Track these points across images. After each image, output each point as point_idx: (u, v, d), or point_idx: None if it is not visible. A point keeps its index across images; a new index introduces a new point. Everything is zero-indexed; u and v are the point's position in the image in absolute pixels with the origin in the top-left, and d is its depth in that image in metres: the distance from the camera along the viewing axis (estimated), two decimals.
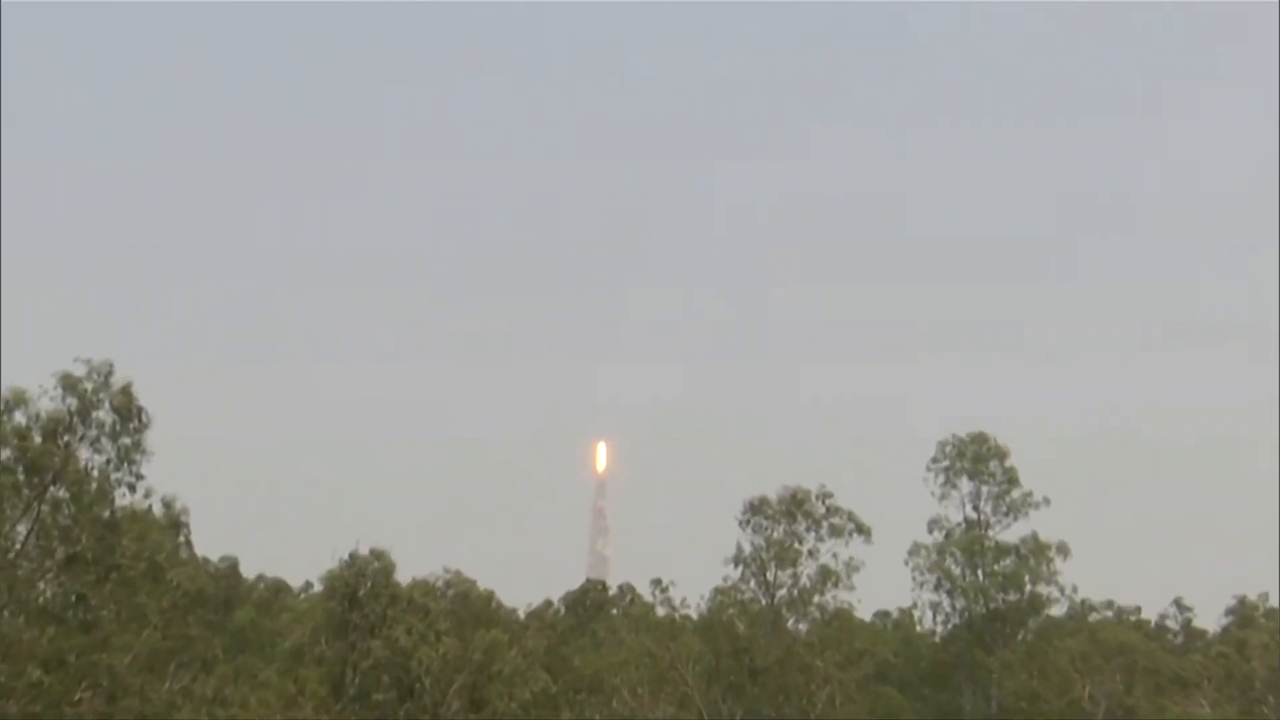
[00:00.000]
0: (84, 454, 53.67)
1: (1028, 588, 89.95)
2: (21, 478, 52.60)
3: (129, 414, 53.55)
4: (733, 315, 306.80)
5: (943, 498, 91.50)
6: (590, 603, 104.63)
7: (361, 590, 67.47)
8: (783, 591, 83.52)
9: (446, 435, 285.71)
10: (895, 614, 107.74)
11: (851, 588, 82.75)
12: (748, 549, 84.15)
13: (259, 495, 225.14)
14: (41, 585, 54.29)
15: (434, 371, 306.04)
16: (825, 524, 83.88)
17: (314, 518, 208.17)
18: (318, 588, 79.76)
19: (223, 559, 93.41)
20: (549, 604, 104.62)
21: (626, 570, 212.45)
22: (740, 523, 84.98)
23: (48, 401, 52.78)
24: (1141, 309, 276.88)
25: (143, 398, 53.46)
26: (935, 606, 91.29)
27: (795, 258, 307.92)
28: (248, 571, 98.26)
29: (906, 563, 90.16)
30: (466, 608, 75.19)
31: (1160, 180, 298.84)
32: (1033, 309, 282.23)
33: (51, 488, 53.16)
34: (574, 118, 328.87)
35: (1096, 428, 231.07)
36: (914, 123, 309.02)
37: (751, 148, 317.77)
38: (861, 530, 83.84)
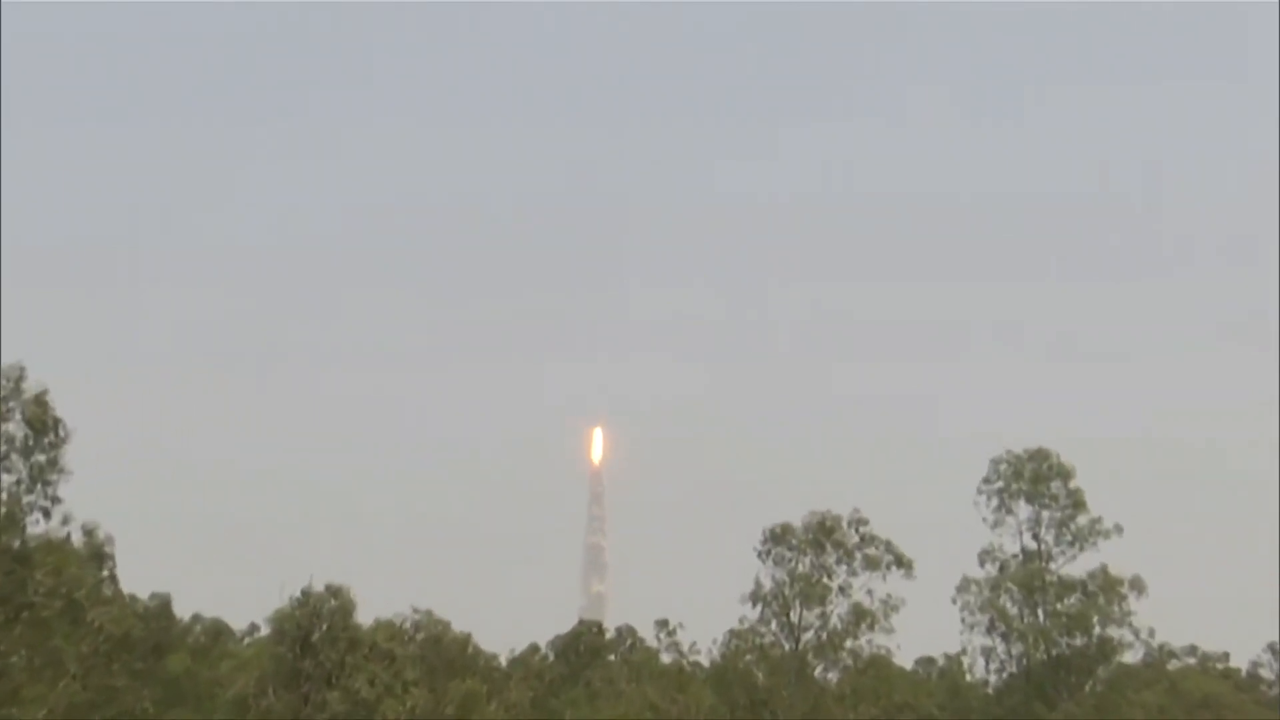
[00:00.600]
0: None
1: (1096, 630, 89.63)
2: None
3: (44, 426, 53.38)
4: (734, 314, 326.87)
5: (996, 524, 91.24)
6: (584, 647, 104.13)
7: (316, 633, 67.32)
8: (809, 634, 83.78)
9: (416, 447, 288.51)
10: (941, 661, 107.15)
11: (890, 630, 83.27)
12: (768, 584, 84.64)
13: (196, 521, 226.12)
14: None
15: (406, 374, 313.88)
16: (859, 555, 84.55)
17: (260, 547, 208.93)
18: (264, 630, 79.46)
19: (153, 596, 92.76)
20: (535, 649, 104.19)
21: (625, 609, 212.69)
22: (759, 554, 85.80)
23: None
24: (1150, 308, 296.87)
25: (61, 407, 53.31)
26: (988, 652, 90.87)
27: (797, 257, 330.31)
28: (182, 611, 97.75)
29: (954, 600, 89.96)
30: (439, 653, 74.94)
31: (1161, 177, 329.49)
32: (1034, 309, 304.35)
33: None
34: (575, 116, 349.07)
35: (1135, 435, 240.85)
36: (914, 120, 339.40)
37: (752, 145, 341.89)
38: (901, 563, 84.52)
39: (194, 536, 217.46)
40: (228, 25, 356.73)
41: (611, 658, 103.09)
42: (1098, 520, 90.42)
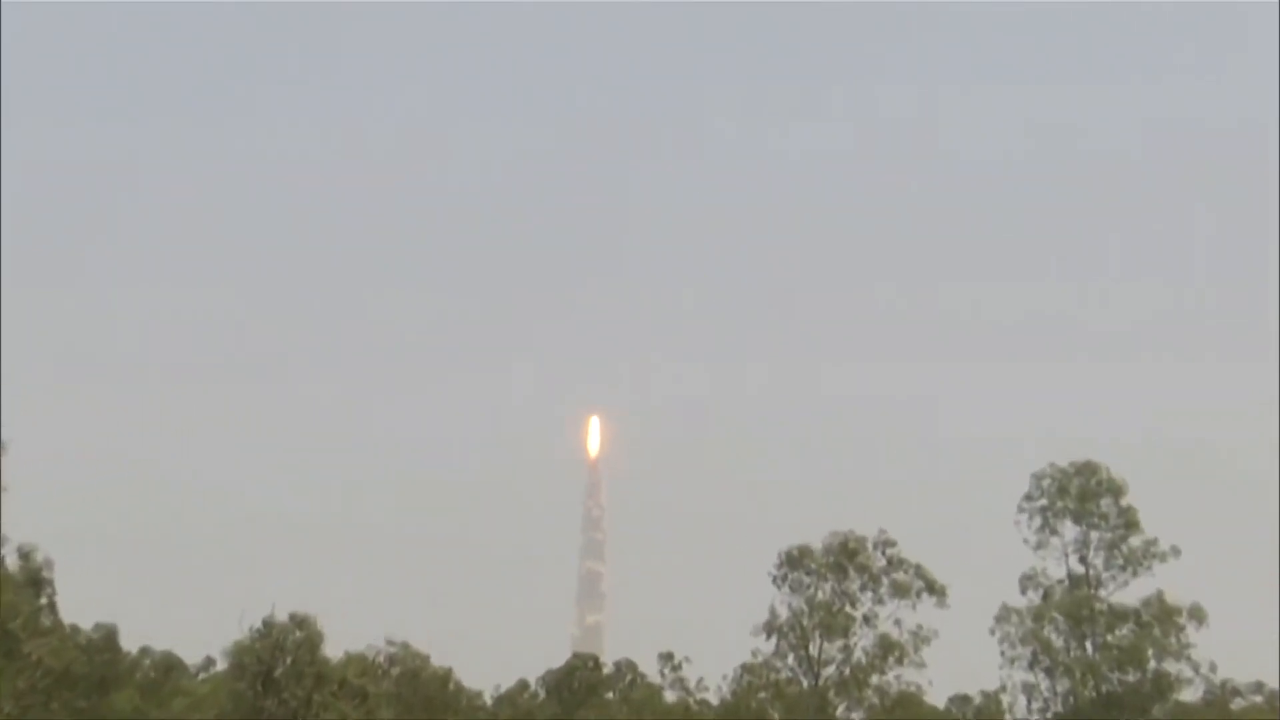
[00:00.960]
0: None
1: (1151, 665, 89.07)
2: None
3: None
4: (737, 315, 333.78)
5: (1039, 546, 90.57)
6: (578, 684, 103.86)
7: (279, 668, 67.20)
8: (830, 669, 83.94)
9: (391, 457, 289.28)
10: (977, 699, 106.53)
11: (920, 664, 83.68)
12: (784, 613, 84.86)
13: (146, 543, 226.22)
14: None
15: (384, 380, 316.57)
16: (885, 581, 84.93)
17: (217, 572, 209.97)
18: (221, 665, 79.31)
19: (97, 627, 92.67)
20: (524, 686, 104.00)
21: (624, 640, 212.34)
22: (774, 579, 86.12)
23: None
24: (1150, 307, 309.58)
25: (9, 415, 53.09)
26: (1030, 689, 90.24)
27: (798, 257, 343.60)
28: (129, 643, 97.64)
29: (992, 632, 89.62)
30: (416, 690, 74.84)
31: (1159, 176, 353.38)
32: (1038, 307, 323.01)
33: None
34: (573, 115, 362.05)
35: (1145, 440, 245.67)
36: (913, 119, 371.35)
37: (752, 144, 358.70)
38: (933, 590, 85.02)
39: (143, 560, 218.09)
40: (225, 24, 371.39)
41: (609, 695, 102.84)
42: (1153, 542, 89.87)
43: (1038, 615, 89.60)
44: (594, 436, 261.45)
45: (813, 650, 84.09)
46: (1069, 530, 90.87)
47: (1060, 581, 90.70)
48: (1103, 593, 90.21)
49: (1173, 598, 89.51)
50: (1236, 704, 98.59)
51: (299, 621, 68.16)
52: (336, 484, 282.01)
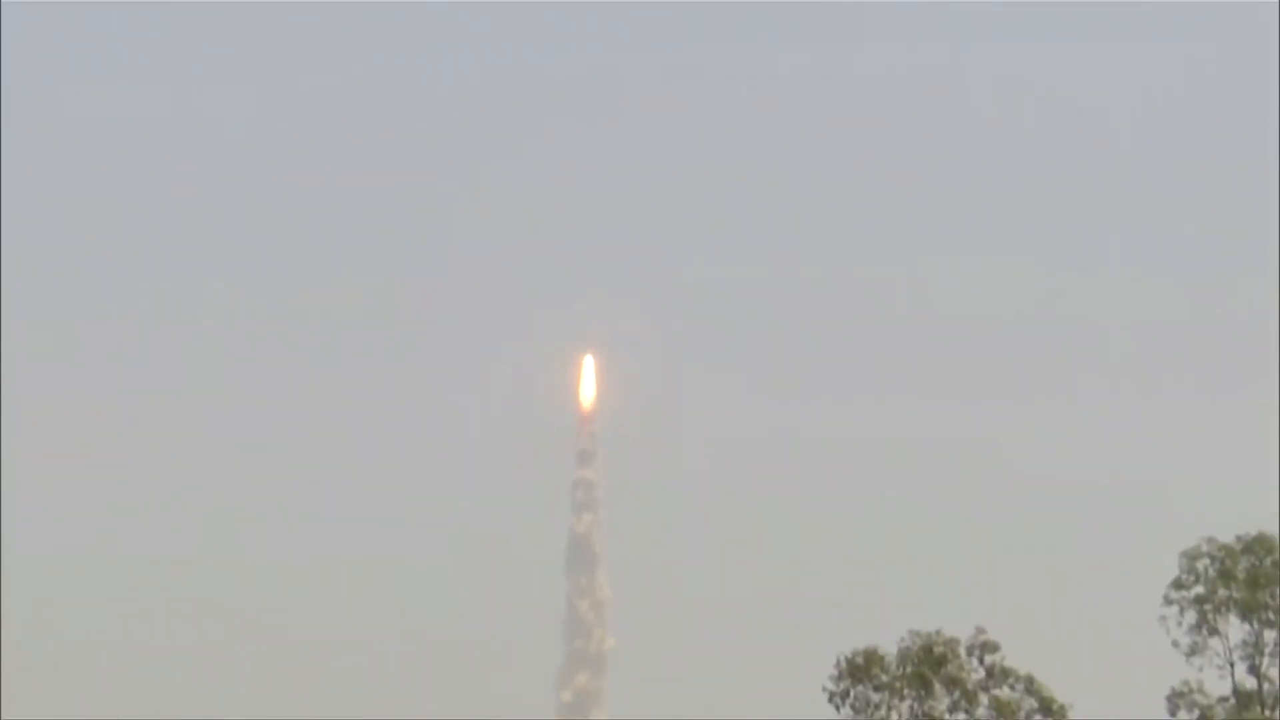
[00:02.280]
0: None
1: None
2: None
3: None
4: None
5: (1194, 650, 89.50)
6: None
7: None
8: None
9: (299, 510, 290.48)
10: None
11: None
12: None
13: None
14: None
15: (272, 411, 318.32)
16: (984, 698, 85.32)
17: (97, 670, 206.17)
18: None
19: None
20: None
21: None
22: (831, 695, 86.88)
23: None
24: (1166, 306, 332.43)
25: None
26: None
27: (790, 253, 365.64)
28: None
29: None
30: None
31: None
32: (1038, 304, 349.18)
33: None
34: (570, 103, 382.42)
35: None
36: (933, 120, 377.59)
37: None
38: (1050, 710, 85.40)
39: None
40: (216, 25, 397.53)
41: None
42: None
43: None
44: (589, 363, 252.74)
45: None
46: (1235, 629, 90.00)
47: (1223, 699, 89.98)
48: None
49: None
50: None
51: None
52: (237, 542, 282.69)
